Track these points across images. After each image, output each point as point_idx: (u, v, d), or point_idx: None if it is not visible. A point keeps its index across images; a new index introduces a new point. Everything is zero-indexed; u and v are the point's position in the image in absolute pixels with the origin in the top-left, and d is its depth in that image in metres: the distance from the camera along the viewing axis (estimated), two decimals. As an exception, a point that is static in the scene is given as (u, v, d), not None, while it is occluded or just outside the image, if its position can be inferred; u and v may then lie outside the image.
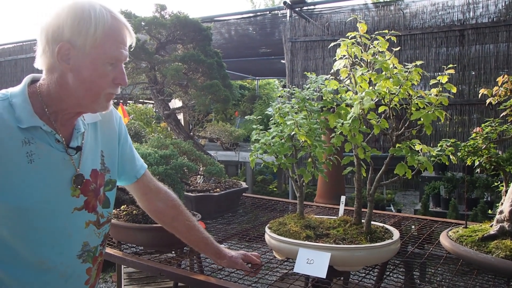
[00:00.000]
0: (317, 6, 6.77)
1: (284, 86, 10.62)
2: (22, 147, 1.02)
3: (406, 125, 1.62)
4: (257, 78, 13.29)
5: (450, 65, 1.60)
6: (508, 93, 1.82)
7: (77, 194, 1.12)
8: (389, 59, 1.59)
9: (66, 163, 1.10)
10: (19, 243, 1.06)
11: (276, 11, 7.14)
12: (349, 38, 1.65)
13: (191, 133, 3.27)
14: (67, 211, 1.11)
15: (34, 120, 1.05)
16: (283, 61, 7.16)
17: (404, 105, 1.60)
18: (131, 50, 1.17)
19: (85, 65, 1.05)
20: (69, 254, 1.14)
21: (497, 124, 1.84)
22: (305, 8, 6.63)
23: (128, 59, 1.14)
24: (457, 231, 1.77)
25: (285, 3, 6.42)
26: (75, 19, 1.02)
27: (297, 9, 6.55)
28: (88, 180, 1.15)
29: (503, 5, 5.34)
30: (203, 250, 1.57)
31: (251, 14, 7.52)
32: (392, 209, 5.76)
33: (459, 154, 1.86)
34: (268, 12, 7.43)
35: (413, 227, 2.41)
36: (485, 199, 4.45)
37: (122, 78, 1.11)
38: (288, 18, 6.56)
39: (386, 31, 1.68)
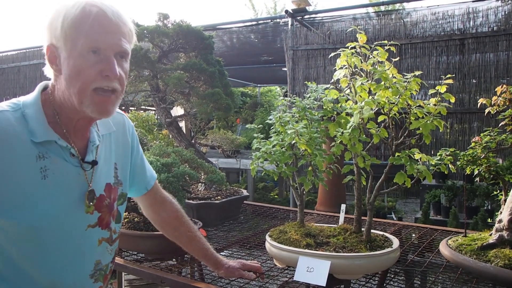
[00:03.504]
0: (318, 15, 6.82)
1: (285, 94, 10.65)
2: (36, 162, 0.96)
3: (405, 134, 1.63)
4: (258, 85, 13.34)
5: (449, 75, 1.62)
6: (507, 103, 1.84)
7: (91, 210, 1.07)
8: (388, 69, 1.61)
9: (80, 179, 1.05)
10: (30, 264, 1.00)
11: (277, 20, 7.19)
12: (349, 48, 1.67)
13: (193, 141, 3.29)
14: (81, 229, 1.06)
15: (49, 134, 0.99)
16: (284, 69, 7.20)
17: (403, 115, 1.62)
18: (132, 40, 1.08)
19: (67, 61, 0.98)
20: (82, 274, 1.09)
21: (496, 134, 1.85)
22: (306, 16, 6.68)
23: (121, 48, 1.02)
24: (457, 240, 1.78)
25: (286, 11, 6.47)
26: (52, 18, 0.99)
27: (298, 18, 6.60)
28: (102, 195, 1.10)
29: (503, 14, 5.38)
30: (202, 260, 1.56)
31: (253, 22, 7.58)
32: (393, 217, 5.75)
33: (458, 163, 1.88)
34: (270, 21, 7.48)
35: (413, 235, 2.42)
36: (485, 208, 4.45)
37: (108, 69, 0.98)
38: (289, 26, 6.60)
39: (386, 41, 1.70)
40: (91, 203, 1.06)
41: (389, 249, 1.56)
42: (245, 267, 1.55)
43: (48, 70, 1.05)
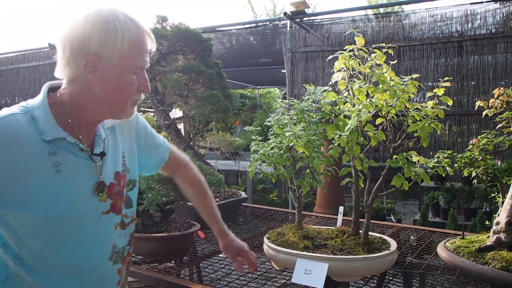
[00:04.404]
0: (317, 17, 6.83)
1: (284, 97, 10.66)
2: (49, 158, 1.03)
3: (403, 137, 1.64)
4: (258, 87, 13.35)
5: (447, 78, 1.63)
6: (504, 105, 1.85)
7: (104, 198, 1.14)
8: (386, 72, 1.62)
9: (91, 170, 1.12)
10: (52, 252, 1.08)
11: (276, 22, 7.20)
12: (347, 51, 1.68)
13: (191, 143, 3.29)
14: (95, 216, 1.13)
15: (58, 132, 1.05)
16: (283, 71, 7.20)
17: (401, 117, 1.63)
18: (150, 54, 1.17)
19: (112, 76, 1.06)
20: (101, 257, 1.17)
21: (493, 136, 1.86)
22: (305, 18, 6.69)
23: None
24: (455, 242, 1.78)
25: (285, 13, 6.47)
26: (102, 30, 1.02)
27: (297, 20, 6.61)
28: (112, 183, 1.17)
29: (501, 16, 5.39)
30: (209, 225, 1.59)
31: (252, 25, 7.58)
32: (392, 218, 5.75)
33: (456, 165, 1.88)
34: (269, 23, 7.49)
35: (411, 237, 2.42)
36: (483, 209, 4.46)
37: (145, 85, 1.13)
38: (288, 28, 6.61)
39: (384, 44, 1.70)
40: (100, 194, 1.13)
41: (387, 251, 1.56)
42: (241, 254, 1.53)
43: (64, 74, 1.08)
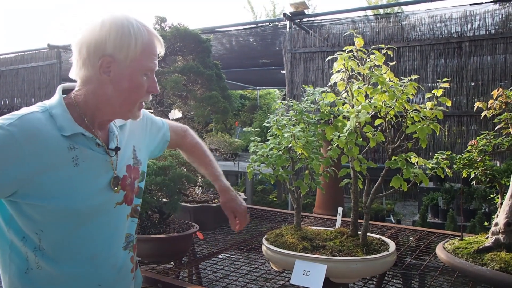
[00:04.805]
0: (317, 18, 6.84)
1: (284, 98, 10.66)
2: (68, 152, 1.10)
3: (402, 138, 1.64)
4: (257, 88, 13.36)
5: (445, 79, 1.63)
6: (503, 106, 1.84)
7: (118, 190, 1.22)
8: (385, 73, 1.61)
9: (107, 164, 1.20)
10: (71, 242, 1.15)
11: (276, 22, 7.21)
12: (346, 52, 1.68)
13: (191, 144, 3.28)
14: (110, 206, 1.21)
15: (76, 128, 1.12)
16: (283, 72, 7.21)
17: (400, 119, 1.63)
18: (159, 58, 1.25)
19: (125, 77, 1.13)
20: (117, 246, 1.26)
21: (492, 137, 1.86)
22: (305, 19, 6.70)
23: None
24: (453, 243, 1.78)
25: (285, 14, 6.48)
26: (117, 34, 1.10)
27: (297, 21, 6.62)
28: (125, 176, 1.25)
29: (500, 17, 5.40)
30: (212, 183, 1.67)
31: (252, 25, 7.61)
32: (392, 219, 5.76)
33: (454, 166, 1.88)
34: (268, 23, 7.51)
35: (411, 238, 2.42)
36: (483, 210, 4.46)
37: (154, 87, 1.20)
38: (288, 29, 6.62)
39: (383, 45, 1.70)
40: (115, 188, 1.21)
41: (385, 252, 1.56)
42: (237, 214, 1.61)
43: (79, 75, 1.14)
